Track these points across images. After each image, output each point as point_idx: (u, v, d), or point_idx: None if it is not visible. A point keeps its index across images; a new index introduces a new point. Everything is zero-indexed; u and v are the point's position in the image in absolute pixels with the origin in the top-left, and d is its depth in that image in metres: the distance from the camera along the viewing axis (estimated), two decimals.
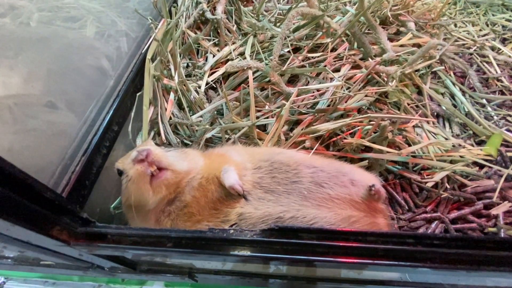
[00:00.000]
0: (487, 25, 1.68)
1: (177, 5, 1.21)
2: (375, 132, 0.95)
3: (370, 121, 0.98)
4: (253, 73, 1.09)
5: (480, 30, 1.63)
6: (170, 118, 0.98)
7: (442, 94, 1.26)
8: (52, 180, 0.60)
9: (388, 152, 0.92)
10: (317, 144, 0.90)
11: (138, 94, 0.89)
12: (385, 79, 1.11)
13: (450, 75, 1.32)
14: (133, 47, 0.95)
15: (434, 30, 1.39)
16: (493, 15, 1.74)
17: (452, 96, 1.27)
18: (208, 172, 0.75)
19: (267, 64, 0.98)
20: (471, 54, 1.45)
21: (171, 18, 1.04)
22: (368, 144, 0.89)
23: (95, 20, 1.05)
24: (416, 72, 1.21)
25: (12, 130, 0.67)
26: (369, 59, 1.15)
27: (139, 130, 0.92)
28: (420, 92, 1.21)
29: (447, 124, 1.19)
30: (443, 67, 1.30)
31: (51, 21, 1.03)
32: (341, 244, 0.53)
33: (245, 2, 1.44)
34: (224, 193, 0.71)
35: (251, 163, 0.79)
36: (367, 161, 0.91)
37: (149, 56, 0.90)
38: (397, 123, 0.94)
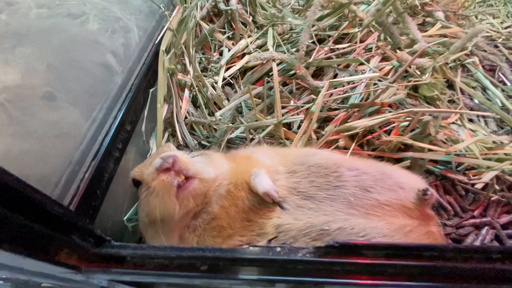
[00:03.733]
0: (508, 17, 1.60)
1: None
2: (412, 130, 0.86)
3: (406, 117, 0.89)
4: (277, 65, 0.99)
5: (502, 22, 1.55)
6: (186, 118, 0.88)
7: (473, 88, 1.18)
8: (57, 190, 0.50)
9: (430, 150, 0.82)
10: (354, 143, 0.80)
11: (151, 90, 0.79)
12: (416, 71, 1.02)
13: (478, 68, 1.24)
14: (144, 38, 0.85)
15: (460, 21, 1.31)
16: None
17: (484, 90, 1.18)
18: (236, 177, 0.65)
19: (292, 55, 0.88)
20: (496, 46, 1.37)
21: (185, 5, 0.94)
22: (410, 142, 0.79)
23: (99, 11, 0.95)
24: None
25: (8, 131, 0.56)
26: (397, 50, 1.06)
27: (152, 130, 0.82)
28: (450, 86, 1.12)
29: (482, 120, 1.10)
30: (473, 60, 1.21)
31: (50, 17, 0.94)
32: (415, 263, 0.43)
33: None
34: (257, 201, 0.61)
35: (283, 166, 0.69)
36: (409, 161, 0.81)
37: (163, 47, 0.80)
38: (439, 118, 0.84)
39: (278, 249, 0.46)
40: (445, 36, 1.21)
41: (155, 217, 0.55)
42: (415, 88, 1.04)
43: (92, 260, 0.44)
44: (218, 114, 0.80)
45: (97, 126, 0.61)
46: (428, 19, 1.23)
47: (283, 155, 0.73)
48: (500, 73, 1.23)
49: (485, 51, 1.22)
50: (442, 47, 1.16)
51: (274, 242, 0.56)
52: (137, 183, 0.62)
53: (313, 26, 0.94)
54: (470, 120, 1.06)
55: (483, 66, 1.26)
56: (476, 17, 1.53)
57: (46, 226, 0.36)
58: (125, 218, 0.68)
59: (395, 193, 0.66)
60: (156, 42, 0.84)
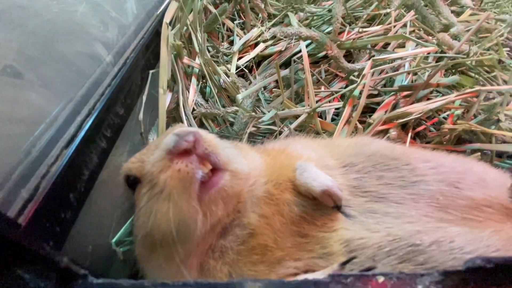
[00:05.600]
0: None
1: None
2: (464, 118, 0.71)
3: (461, 102, 0.74)
4: (297, 53, 0.85)
5: None
6: (193, 110, 0.70)
7: None
8: (1, 193, 0.30)
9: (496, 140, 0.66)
10: (409, 134, 0.63)
11: (151, 72, 0.62)
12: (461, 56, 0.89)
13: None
14: (143, 14, 0.69)
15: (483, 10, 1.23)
16: None
17: None
18: (276, 173, 0.46)
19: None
20: None
21: None
22: (481, 128, 0.63)
23: None
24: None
25: None
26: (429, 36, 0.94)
27: (151, 124, 0.63)
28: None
29: None
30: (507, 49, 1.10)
31: None
32: None
33: None
34: (310, 206, 0.42)
35: (333, 159, 0.51)
36: (479, 153, 0.65)
37: (166, 20, 0.64)
38: (505, 100, 0.69)
39: (381, 278, 0.27)
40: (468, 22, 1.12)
41: (164, 234, 0.35)
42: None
43: None
44: (240, 96, 0.63)
45: (75, 104, 0.42)
46: (452, 8, 1.14)
47: (329, 146, 0.55)
48: None
49: None
50: (474, 34, 1.05)
51: (350, 267, 0.36)
52: (133, 182, 0.40)
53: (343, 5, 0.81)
54: None
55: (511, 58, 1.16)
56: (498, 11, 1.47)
57: None
58: (114, 240, 0.47)
59: (489, 190, 0.49)
60: (158, 14, 0.68)
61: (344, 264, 0.36)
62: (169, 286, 0.26)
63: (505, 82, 0.95)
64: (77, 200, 0.37)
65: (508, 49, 1.11)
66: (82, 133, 0.39)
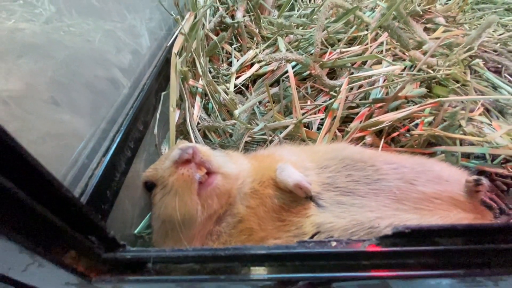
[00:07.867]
0: (498, 26, 1.66)
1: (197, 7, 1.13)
2: (437, 125, 0.81)
3: (430, 110, 0.85)
4: (286, 72, 0.97)
5: (494, 31, 1.61)
6: (198, 123, 0.83)
7: (484, 87, 1.16)
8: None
9: (461, 144, 0.76)
10: (382, 139, 0.74)
11: (163, 93, 0.75)
12: (429, 70, 1.01)
13: (484, 69, 1.24)
14: (155, 44, 0.83)
15: (458, 27, 1.35)
16: (500, 18, 1.74)
17: (495, 89, 1.16)
18: (260, 174, 0.57)
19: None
20: (495, 51, 1.40)
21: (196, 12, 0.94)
22: (442, 133, 0.74)
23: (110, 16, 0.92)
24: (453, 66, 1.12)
25: (10, 128, 0.50)
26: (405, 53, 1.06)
27: (163, 137, 0.76)
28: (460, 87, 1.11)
29: (501, 118, 1.07)
30: (479, 61, 1.22)
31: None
32: (503, 246, 0.35)
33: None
34: (288, 198, 0.54)
35: (312, 163, 0.62)
36: (443, 155, 0.75)
37: (175, 50, 0.77)
38: (468, 106, 0.80)
39: (334, 243, 0.38)
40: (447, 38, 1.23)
41: (173, 221, 0.47)
42: (428, 89, 1.02)
43: (104, 268, 0.35)
44: (237, 112, 0.75)
45: (107, 123, 0.55)
46: (428, 25, 1.26)
47: (310, 152, 0.66)
48: (506, 74, 1.23)
49: (490, 52, 1.23)
50: (447, 49, 1.17)
51: (317, 239, 0.47)
52: (150, 186, 0.53)
53: (323, 30, 0.94)
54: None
55: (488, 68, 1.27)
56: (469, 27, 1.59)
57: (56, 213, 0.28)
58: (136, 231, 0.59)
59: (441, 185, 0.59)
60: (168, 45, 0.82)
61: (312, 237, 0.47)
62: (183, 251, 0.38)
63: (481, 92, 1.06)
64: (111, 196, 0.49)
65: (481, 60, 1.23)
66: (114, 145, 0.51)
